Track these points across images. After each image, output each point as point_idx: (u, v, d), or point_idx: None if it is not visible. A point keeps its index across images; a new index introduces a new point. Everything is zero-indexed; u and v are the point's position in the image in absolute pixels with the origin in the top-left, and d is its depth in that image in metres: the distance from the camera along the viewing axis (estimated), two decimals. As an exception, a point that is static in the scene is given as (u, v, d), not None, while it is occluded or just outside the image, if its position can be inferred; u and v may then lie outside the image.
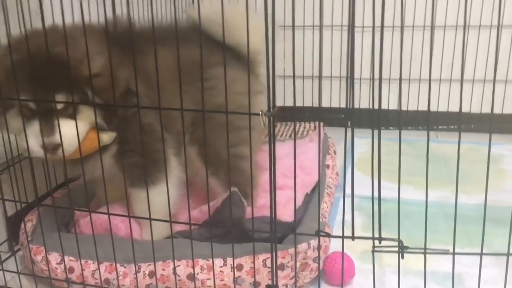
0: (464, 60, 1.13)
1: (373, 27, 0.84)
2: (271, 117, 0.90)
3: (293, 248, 1.15)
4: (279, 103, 0.95)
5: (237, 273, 1.18)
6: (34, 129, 1.12)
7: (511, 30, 2.34)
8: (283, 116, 2.33)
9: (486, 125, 2.43)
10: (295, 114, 2.40)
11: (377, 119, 0.89)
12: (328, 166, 1.89)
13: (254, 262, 1.16)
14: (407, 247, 0.95)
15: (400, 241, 0.94)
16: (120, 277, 1.20)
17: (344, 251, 1.05)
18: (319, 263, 1.19)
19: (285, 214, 1.35)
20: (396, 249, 0.95)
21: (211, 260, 1.16)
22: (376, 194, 0.94)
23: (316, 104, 2.57)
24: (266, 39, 0.86)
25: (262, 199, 1.52)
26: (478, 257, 0.95)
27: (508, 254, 0.94)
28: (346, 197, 1.00)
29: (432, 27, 0.90)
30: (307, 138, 2.13)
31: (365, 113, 2.27)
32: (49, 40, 1.02)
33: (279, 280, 1.17)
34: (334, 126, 2.44)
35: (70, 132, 1.12)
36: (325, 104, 2.55)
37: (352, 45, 0.85)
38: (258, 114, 0.89)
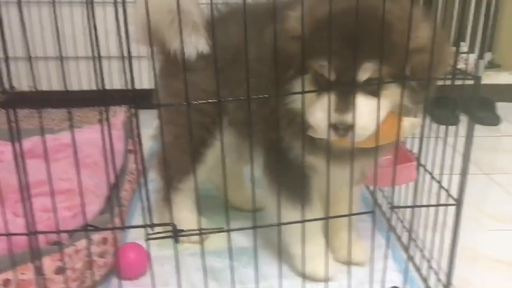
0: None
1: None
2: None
3: (71, 248, 1.04)
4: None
5: (3, 291, 1.01)
6: (324, 103, 0.91)
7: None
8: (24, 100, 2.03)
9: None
10: (39, 100, 1.93)
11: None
12: (131, 151, 1.79)
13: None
14: (181, 231, 0.91)
15: (173, 226, 0.90)
16: None
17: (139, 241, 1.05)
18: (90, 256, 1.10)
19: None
20: (171, 233, 0.91)
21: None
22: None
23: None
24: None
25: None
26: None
27: (279, 224, 0.96)
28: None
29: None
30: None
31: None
32: None
33: (59, 285, 1.05)
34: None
35: (367, 111, 0.91)
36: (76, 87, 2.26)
37: (94, 21, 0.75)
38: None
